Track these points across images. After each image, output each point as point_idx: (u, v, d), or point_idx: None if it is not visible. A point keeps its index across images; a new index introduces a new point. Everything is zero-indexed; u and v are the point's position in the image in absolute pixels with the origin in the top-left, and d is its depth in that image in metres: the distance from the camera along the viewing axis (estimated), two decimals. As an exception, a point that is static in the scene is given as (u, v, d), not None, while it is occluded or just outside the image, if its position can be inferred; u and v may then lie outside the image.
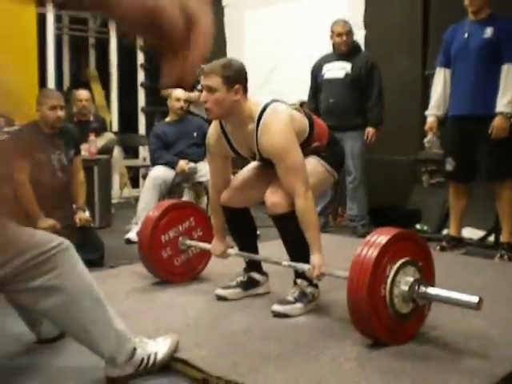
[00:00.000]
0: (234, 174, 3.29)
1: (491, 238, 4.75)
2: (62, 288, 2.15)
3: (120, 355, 2.25)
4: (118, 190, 7.47)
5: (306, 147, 2.98)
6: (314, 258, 2.83)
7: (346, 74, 5.17)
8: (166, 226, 3.53)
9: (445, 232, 4.99)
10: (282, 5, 6.65)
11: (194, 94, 5.59)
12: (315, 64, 5.41)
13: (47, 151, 3.97)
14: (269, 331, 2.71)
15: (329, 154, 3.12)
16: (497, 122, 4.11)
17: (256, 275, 3.31)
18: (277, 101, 2.95)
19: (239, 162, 3.33)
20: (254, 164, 3.23)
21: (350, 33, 5.22)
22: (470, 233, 4.89)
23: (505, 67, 4.10)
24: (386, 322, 2.48)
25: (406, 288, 2.49)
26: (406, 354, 2.45)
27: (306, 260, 2.89)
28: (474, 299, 2.39)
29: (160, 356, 2.37)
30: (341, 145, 3.41)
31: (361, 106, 5.16)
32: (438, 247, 4.53)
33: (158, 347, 2.38)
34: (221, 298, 3.21)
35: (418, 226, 5.29)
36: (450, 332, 2.73)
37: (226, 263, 3.99)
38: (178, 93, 5.39)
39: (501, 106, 4.11)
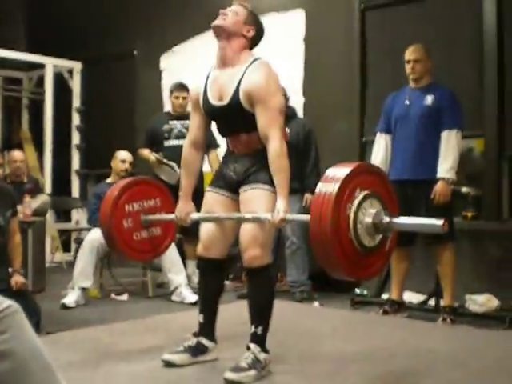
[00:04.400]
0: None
1: (431, 302, 4.78)
2: (10, 353, 2.01)
3: (70, 427, 2.12)
4: (49, 255, 7.23)
5: None
6: (280, 202, 2.84)
7: None
8: (131, 196, 3.46)
9: (385, 296, 5.01)
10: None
11: (152, 159, 5.53)
12: None
13: (-17, 211, 3.81)
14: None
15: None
16: (439, 187, 4.21)
17: (204, 341, 3.20)
18: None
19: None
20: (211, 206, 3.16)
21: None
22: (410, 297, 4.92)
23: (444, 134, 4.23)
24: (350, 256, 2.48)
25: (369, 220, 2.51)
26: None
27: (266, 322, 2.87)
28: (439, 222, 2.46)
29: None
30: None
31: (298, 170, 5.13)
32: (381, 311, 4.53)
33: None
34: (168, 364, 3.09)
35: (357, 291, 5.29)
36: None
37: (171, 328, 3.91)
38: (123, 154, 5.32)
39: (442, 171, 4.21)
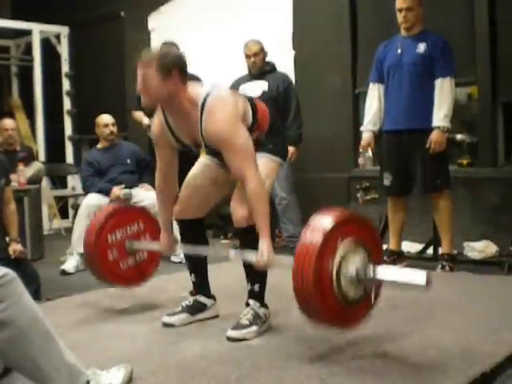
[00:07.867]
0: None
1: (429, 251, 4.79)
2: (9, 322, 2.02)
3: (73, 389, 2.13)
4: (47, 222, 7.22)
5: (251, 134, 2.86)
6: (262, 245, 2.73)
7: (263, 92, 5.09)
8: (113, 227, 3.41)
9: (383, 247, 5.01)
10: (208, 29, 6.59)
11: (145, 123, 5.50)
12: (232, 85, 5.25)
13: (-24, 181, 3.79)
14: (225, 355, 2.62)
15: (275, 145, 3.07)
16: (434, 136, 4.17)
17: (202, 298, 3.22)
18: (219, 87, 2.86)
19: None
20: (198, 168, 3.16)
21: (259, 54, 5.21)
22: (408, 246, 4.93)
23: (438, 82, 4.18)
24: (333, 308, 2.41)
25: (353, 272, 2.40)
26: (366, 370, 2.42)
27: (262, 279, 2.89)
28: (422, 280, 2.33)
29: (114, 387, 2.26)
30: (282, 132, 3.36)
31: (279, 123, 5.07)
32: (380, 262, 4.53)
33: (111, 378, 2.26)
34: (168, 325, 3.11)
35: (356, 243, 5.29)
36: (407, 344, 2.72)
37: (170, 288, 3.92)
38: (104, 119, 5.27)
39: (437, 120, 4.18)
